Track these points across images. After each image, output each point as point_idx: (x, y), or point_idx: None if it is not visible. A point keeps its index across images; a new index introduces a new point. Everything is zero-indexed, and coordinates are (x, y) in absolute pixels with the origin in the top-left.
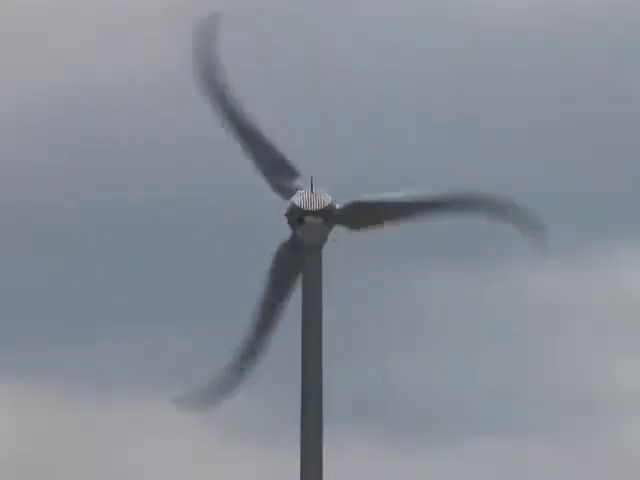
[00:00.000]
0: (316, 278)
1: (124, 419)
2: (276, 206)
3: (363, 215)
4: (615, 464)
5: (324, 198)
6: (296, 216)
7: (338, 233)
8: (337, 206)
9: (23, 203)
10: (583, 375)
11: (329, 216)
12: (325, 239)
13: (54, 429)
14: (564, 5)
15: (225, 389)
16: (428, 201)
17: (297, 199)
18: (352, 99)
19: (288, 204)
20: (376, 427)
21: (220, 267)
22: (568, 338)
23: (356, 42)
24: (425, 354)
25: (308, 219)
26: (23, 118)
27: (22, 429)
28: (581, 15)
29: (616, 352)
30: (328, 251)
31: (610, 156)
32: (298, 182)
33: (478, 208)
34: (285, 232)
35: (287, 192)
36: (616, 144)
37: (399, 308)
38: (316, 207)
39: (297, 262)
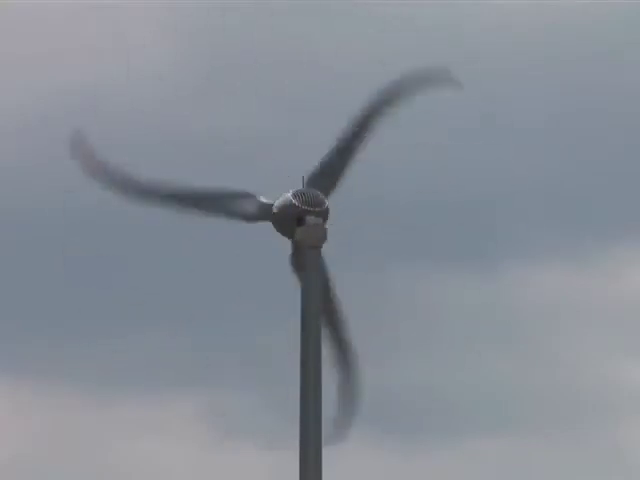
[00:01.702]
0: (316, 278)
1: (124, 419)
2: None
3: (326, 180)
4: (615, 464)
5: (322, 198)
6: (295, 216)
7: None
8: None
9: (23, 203)
10: (583, 375)
11: (327, 216)
12: (325, 239)
13: (54, 429)
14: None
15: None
16: (364, 121)
17: (295, 199)
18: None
19: (280, 203)
20: (376, 427)
21: (218, 267)
22: (568, 338)
23: (352, 43)
24: (425, 354)
25: (310, 219)
26: (23, 118)
27: (22, 429)
28: (580, 14)
29: (616, 352)
30: (327, 251)
31: (610, 155)
32: (256, 200)
33: (403, 94)
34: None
35: (256, 215)
36: (616, 143)
37: (399, 308)
38: (317, 207)
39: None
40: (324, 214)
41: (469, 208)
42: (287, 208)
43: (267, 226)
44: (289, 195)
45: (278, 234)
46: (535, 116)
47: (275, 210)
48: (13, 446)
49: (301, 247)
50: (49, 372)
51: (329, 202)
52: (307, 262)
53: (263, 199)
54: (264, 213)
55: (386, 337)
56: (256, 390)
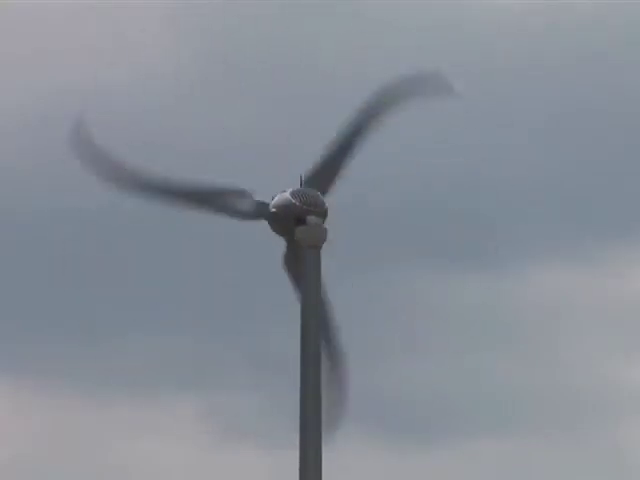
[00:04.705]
0: (316, 278)
1: (124, 419)
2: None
3: (324, 180)
4: (615, 464)
5: (322, 198)
6: (295, 216)
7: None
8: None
9: (23, 204)
10: (583, 375)
11: (326, 215)
12: (325, 239)
13: (54, 429)
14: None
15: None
16: (360, 124)
17: (294, 198)
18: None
19: (278, 202)
20: (376, 427)
21: (217, 268)
22: (568, 338)
23: (351, 43)
24: (425, 354)
25: (311, 219)
26: (23, 118)
27: (22, 429)
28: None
29: (616, 352)
30: (327, 251)
31: (610, 155)
32: (252, 199)
33: (401, 98)
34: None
35: (252, 213)
36: (616, 143)
37: (399, 308)
38: (318, 207)
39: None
40: (324, 214)
41: (469, 208)
42: (287, 207)
43: (263, 225)
44: (287, 194)
45: (273, 233)
46: (535, 116)
47: (274, 209)
48: (13, 446)
49: (296, 246)
50: (49, 372)
51: (326, 202)
52: (307, 262)
53: (258, 198)
54: (260, 211)
55: (386, 337)
56: (256, 390)
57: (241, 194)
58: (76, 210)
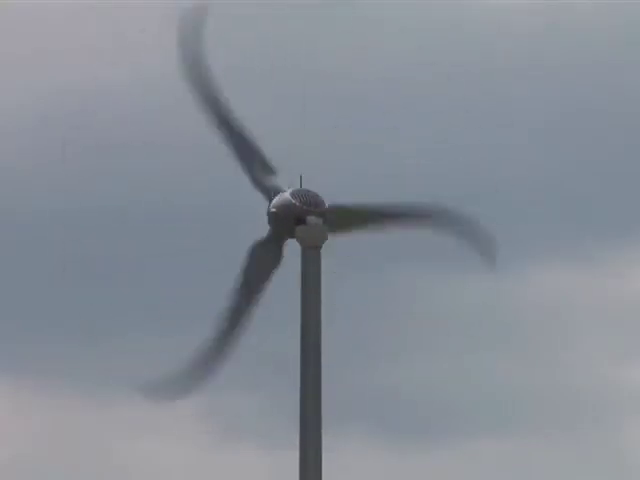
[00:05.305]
0: (316, 278)
1: (124, 419)
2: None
3: (340, 219)
4: (615, 464)
5: (321, 198)
6: (294, 215)
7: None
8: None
9: (23, 205)
10: (583, 375)
11: (327, 216)
12: (325, 239)
13: (54, 429)
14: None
15: (197, 375)
16: (390, 211)
17: (294, 198)
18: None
19: (279, 202)
20: (376, 427)
21: (214, 268)
22: (568, 338)
23: (351, 43)
24: (425, 354)
25: (311, 219)
26: (23, 118)
27: (22, 429)
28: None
29: (616, 352)
30: (327, 251)
31: (610, 155)
32: (275, 179)
33: (432, 221)
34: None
35: (265, 189)
36: (616, 143)
37: (399, 309)
38: (317, 207)
39: (274, 259)
40: (324, 214)
41: (469, 208)
42: (287, 207)
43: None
44: (287, 194)
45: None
46: (535, 116)
47: (274, 209)
48: (13, 446)
49: (282, 246)
50: (49, 372)
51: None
52: (307, 262)
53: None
54: (268, 192)
55: (386, 337)
56: (256, 390)
57: (270, 171)
58: (76, 210)
